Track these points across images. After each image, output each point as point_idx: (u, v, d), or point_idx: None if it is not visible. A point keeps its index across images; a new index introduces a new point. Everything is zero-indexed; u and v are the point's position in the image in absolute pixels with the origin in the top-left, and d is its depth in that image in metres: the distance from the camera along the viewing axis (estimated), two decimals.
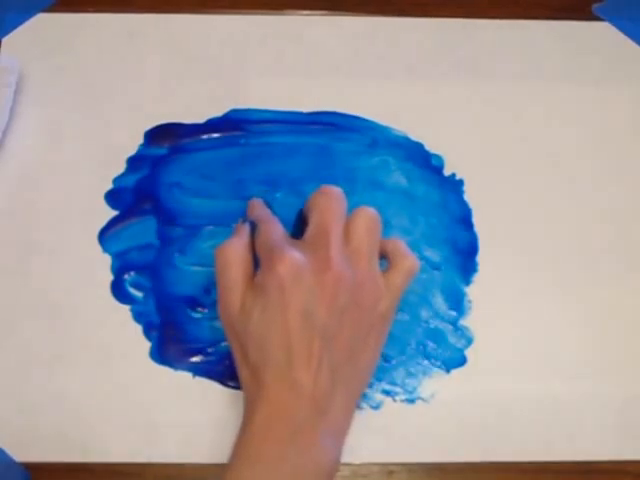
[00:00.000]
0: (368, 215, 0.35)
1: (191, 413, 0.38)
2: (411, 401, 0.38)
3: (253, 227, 0.36)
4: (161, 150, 0.43)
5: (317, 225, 0.34)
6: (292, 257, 0.32)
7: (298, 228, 0.37)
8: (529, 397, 0.39)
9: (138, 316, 0.39)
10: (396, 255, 0.35)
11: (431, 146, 0.43)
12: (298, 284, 0.32)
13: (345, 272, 0.33)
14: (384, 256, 0.35)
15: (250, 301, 0.33)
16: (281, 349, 0.32)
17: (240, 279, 0.34)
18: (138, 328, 0.39)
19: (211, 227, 0.41)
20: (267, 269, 0.33)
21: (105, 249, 0.40)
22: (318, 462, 0.31)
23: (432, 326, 0.40)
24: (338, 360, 0.32)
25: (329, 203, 0.35)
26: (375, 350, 0.34)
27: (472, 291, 0.40)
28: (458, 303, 0.40)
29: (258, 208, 0.38)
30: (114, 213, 0.41)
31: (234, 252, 0.34)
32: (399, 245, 0.36)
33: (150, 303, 0.40)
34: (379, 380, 0.39)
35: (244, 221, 0.36)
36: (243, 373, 0.33)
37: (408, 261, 0.35)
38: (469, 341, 0.39)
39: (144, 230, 0.41)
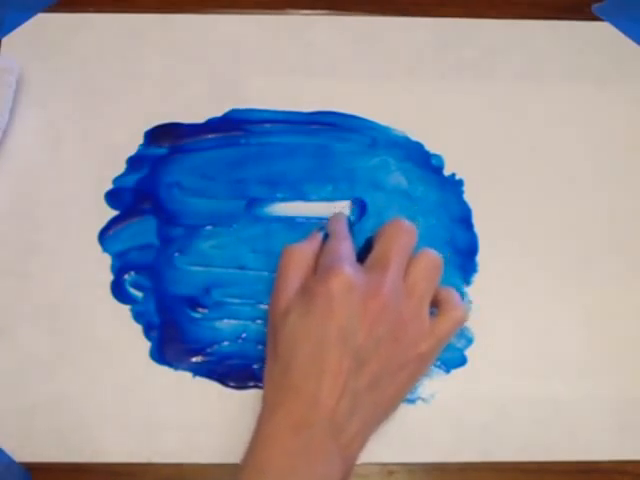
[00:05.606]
0: (432, 259, 0.35)
1: (191, 413, 0.38)
2: (411, 401, 0.38)
3: (326, 239, 0.36)
4: (161, 150, 0.43)
5: (380, 252, 0.35)
6: (348, 274, 0.33)
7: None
8: (529, 397, 0.39)
9: (138, 316, 0.39)
10: (448, 303, 0.35)
11: (431, 146, 0.43)
12: (345, 300, 0.32)
13: (392, 303, 0.33)
14: (435, 304, 0.36)
15: (294, 303, 0.33)
16: (311, 357, 0.32)
17: (296, 282, 0.34)
18: (138, 328, 0.39)
19: (211, 227, 0.41)
20: (321, 278, 0.33)
21: (105, 249, 0.40)
22: (326, 476, 0.31)
23: None
24: (362, 386, 0.32)
25: (398, 234, 0.35)
26: (402, 388, 0.34)
27: (472, 291, 0.40)
28: None
29: (338, 223, 0.38)
30: (114, 213, 0.41)
31: (300, 255, 0.35)
32: (452, 295, 0.36)
33: (150, 303, 0.39)
34: None
35: (320, 230, 0.37)
36: (274, 372, 0.33)
37: (458, 311, 0.35)
38: (469, 341, 0.39)
39: (144, 230, 0.41)
